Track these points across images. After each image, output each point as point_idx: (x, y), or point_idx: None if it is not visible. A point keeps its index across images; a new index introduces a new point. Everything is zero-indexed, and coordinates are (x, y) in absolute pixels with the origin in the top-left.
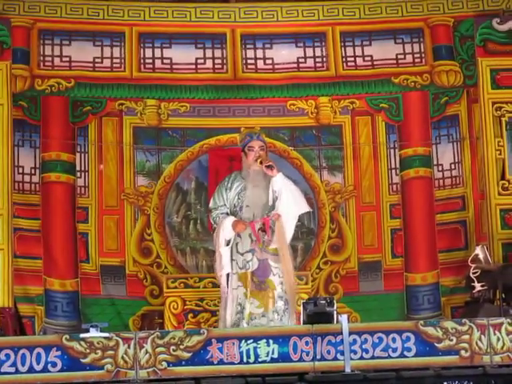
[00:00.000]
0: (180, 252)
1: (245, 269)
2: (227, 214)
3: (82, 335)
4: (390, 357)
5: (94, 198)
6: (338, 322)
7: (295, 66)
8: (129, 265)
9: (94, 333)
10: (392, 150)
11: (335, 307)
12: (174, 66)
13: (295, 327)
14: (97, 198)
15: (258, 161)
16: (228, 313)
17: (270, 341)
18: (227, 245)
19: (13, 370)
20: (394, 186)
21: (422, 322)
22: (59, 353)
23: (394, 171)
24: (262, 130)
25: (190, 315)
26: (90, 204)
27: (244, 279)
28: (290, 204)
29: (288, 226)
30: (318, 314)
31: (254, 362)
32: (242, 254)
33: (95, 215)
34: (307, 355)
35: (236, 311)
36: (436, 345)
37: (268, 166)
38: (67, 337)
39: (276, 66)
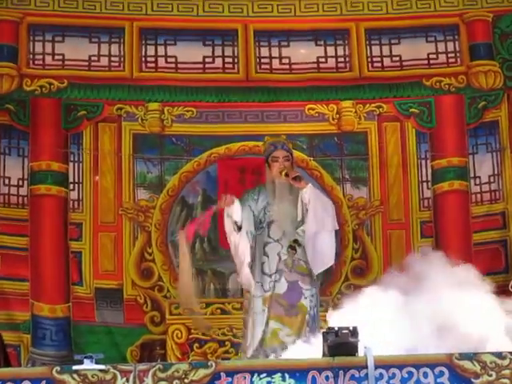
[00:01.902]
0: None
1: (271, 291)
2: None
3: (74, 367)
4: None
5: (89, 212)
6: (362, 354)
7: (315, 66)
8: (127, 288)
9: (88, 365)
10: (423, 161)
11: (359, 337)
12: (180, 66)
13: (314, 360)
14: (92, 213)
15: (283, 173)
16: (251, 338)
17: (286, 375)
18: (239, 230)
19: None
20: (426, 201)
21: (456, 354)
22: None
23: (425, 184)
24: (287, 139)
25: (196, 345)
26: (84, 220)
27: (269, 303)
28: (321, 216)
29: (322, 242)
30: (339, 345)
31: None
32: (270, 276)
33: (90, 232)
34: None
35: (261, 338)
36: (473, 381)
37: (295, 178)
38: (58, 369)
39: (293, 67)
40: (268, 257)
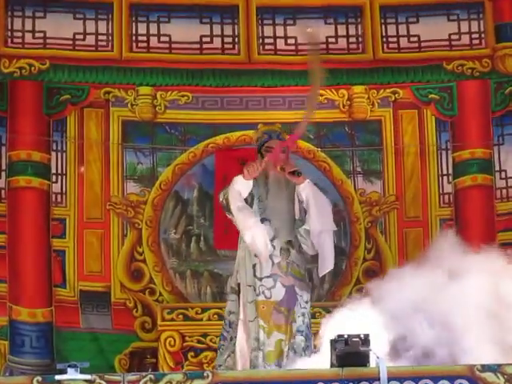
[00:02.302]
0: (179, 276)
1: (264, 297)
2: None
3: (57, 377)
4: None
5: (73, 207)
6: (374, 364)
7: (324, 47)
8: (115, 291)
9: (72, 374)
10: (443, 152)
11: (371, 346)
12: (174, 46)
13: (321, 371)
14: (76, 208)
15: (279, 166)
16: (239, 349)
17: None
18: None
19: None
20: (446, 197)
21: (478, 366)
22: None
23: (445, 178)
24: (283, 128)
25: (191, 354)
26: (68, 215)
27: (264, 310)
28: (321, 215)
29: (324, 243)
30: (349, 355)
31: None
32: (261, 280)
33: (74, 229)
34: None
35: (253, 348)
36: None
37: (293, 172)
38: (39, 379)
39: (299, 47)
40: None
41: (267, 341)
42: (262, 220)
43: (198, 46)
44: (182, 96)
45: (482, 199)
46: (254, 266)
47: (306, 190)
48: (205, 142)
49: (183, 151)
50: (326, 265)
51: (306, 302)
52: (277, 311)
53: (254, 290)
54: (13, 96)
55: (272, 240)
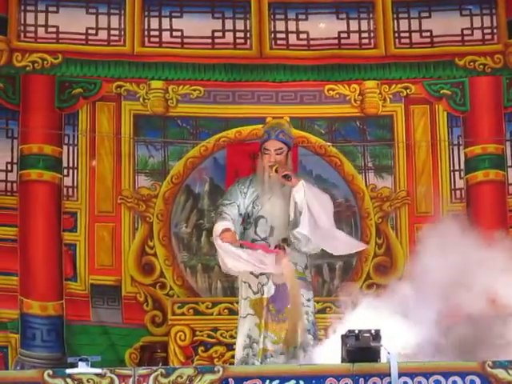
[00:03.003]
0: (189, 270)
1: (259, 294)
2: (234, 214)
3: (68, 371)
4: None
5: (85, 201)
6: (385, 360)
7: (336, 42)
8: (126, 285)
9: (82, 368)
10: (455, 148)
11: (382, 342)
12: (186, 40)
13: (332, 366)
14: (88, 202)
15: (273, 168)
16: (237, 345)
17: (301, 382)
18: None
19: None
20: (458, 192)
21: (489, 362)
22: None
23: (457, 174)
24: (289, 124)
25: (201, 348)
26: (79, 209)
27: (258, 307)
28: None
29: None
30: (360, 350)
31: None
32: (257, 277)
33: (85, 223)
34: None
35: (244, 345)
36: None
37: (284, 176)
38: (50, 372)
39: (312, 42)
40: None
41: (258, 338)
42: (258, 218)
43: (210, 40)
44: (194, 90)
45: (494, 195)
46: None
47: (299, 191)
48: (216, 136)
49: (195, 145)
50: (352, 247)
51: (308, 300)
52: (267, 308)
53: (249, 287)
54: (25, 90)
55: (266, 238)
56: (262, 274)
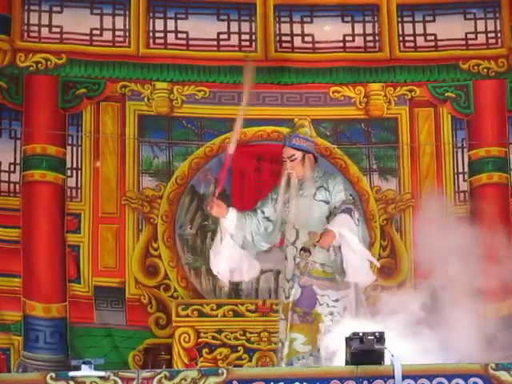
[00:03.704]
0: (194, 272)
1: (287, 298)
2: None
3: (71, 373)
4: None
5: (88, 202)
6: (389, 362)
7: (341, 45)
8: (130, 287)
9: (86, 371)
10: (459, 150)
11: (386, 344)
12: (191, 42)
13: (336, 368)
14: (91, 203)
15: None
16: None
17: None
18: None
19: None
20: (462, 195)
21: (493, 364)
22: None
23: (461, 176)
24: (309, 125)
25: (205, 350)
26: (83, 210)
27: (285, 311)
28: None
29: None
30: (364, 353)
31: None
32: (288, 281)
33: (89, 224)
34: None
35: (278, 349)
36: None
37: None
38: (53, 375)
39: (317, 45)
40: (287, 261)
41: (285, 341)
42: (287, 223)
43: (215, 42)
44: (199, 91)
45: (497, 197)
46: (285, 268)
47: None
48: (222, 137)
49: (200, 146)
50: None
51: (336, 301)
52: (293, 311)
53: (283, 292)
54: (28, 90)
55: (294, 242)
56: (291, 278)
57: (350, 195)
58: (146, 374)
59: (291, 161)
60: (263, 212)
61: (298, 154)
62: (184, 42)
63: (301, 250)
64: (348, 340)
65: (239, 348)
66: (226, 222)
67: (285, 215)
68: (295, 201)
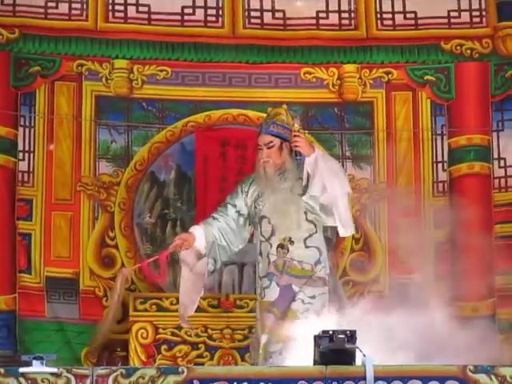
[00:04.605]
0: (152, 263)
1: (260, 297)
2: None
3: (21, 369)
4: None
5: (41, 187)
6: (360, 363)
7: (313, 22)
8: (84, 278)
9: (37, 367)
10: (439, 138)
11: (357, 344)
12: (153, 17)
13: (303, 368)
14: (44, 188)
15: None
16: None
17: None
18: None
19: None
20: (440, 185)
21: (471, 366)
22: None
23: (440, 165)
24: (286, 112)
25: (164, 347)
26: (35, 195)
27: (261, 310)
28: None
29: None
30: (334, 352)
31: None
32: (261, 279)
33: (41, 211)
34: None
35: (252, 348)
36: None
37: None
38: (1, 371)
39: (288, 22)
40: (261, 257)
41: (262, 340)
42: (261, 218)
43: (179, 17)
44: (161, 71)
45: (478, 189)
46: (258, 264)
47: (311, 163)
48: (184, 120)
49: (161, 129)
50: (347, 229)
51: (312, 297)
52: (267, 311)
53: (257, 289)
54: None
55: (269, 238)
56: (264, 276)
57: None
58: (101, 371)
59: (268, 148)
60: (235, 206)
61: (276, 141)
62: (146, 15)
63: (278, 247)
64: (317, 338)
65: (200, 345)
66: (198, 243)
67: (258, 210)
68: (271, 194)
